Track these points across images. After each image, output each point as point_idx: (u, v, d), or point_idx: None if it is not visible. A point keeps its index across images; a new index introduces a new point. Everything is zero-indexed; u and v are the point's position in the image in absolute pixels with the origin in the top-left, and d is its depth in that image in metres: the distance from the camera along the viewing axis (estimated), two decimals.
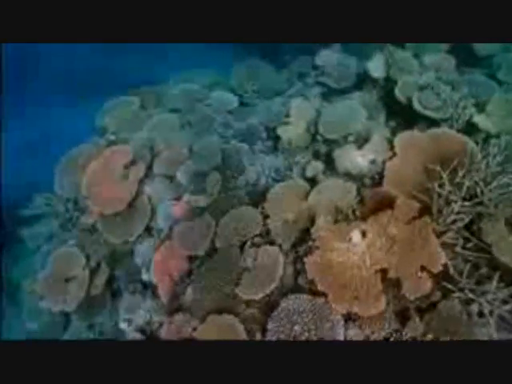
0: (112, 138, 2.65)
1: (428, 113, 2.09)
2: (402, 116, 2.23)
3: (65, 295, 2.39)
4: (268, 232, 1.76)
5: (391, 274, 1.43)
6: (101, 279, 2.42)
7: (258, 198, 1.97)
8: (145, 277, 2.14)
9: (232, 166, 2.17)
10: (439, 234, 1.50)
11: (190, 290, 1.72)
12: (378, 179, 1.89)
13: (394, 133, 2.11)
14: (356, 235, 1.56)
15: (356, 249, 1.53)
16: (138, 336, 1.97)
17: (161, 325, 1.77)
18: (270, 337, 1.42)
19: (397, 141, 1.92)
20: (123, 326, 2.08)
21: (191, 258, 1.92)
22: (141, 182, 2.13)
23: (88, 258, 2.43)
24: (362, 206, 1.71)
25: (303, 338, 1.36)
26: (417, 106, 2.10)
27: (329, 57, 2.97)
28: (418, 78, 2.28)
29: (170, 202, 2.02)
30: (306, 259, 1.48)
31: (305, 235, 1.66)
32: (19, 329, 2.98)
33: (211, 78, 3.34)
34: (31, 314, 2.84)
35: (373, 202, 1.70)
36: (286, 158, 2.29)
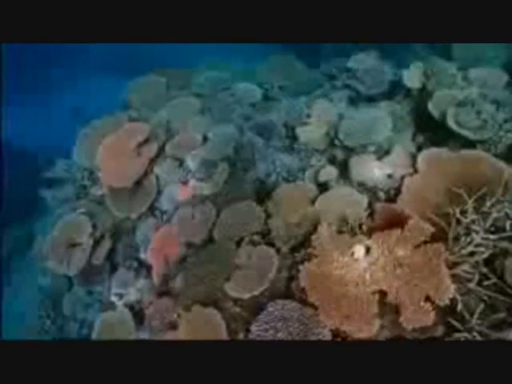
0: (134, 114, 2.68)
1: (463, 132, 1.90)
2: (433, 132, 2.06)
3: (68, 260, 2.47)
4: (268, 232, 1.69)
5: (390, 298, 1.32)
6: (102, 250, 2.47)
7: (264, 195, 1.91)
8: (142, 256, 2.15)
9: (243, 158, 2.12)
10: (452, 265, 1.36)
11: (180, 276, 1.70)
12: (393, 195, 1.76)
13: (420, 149, 1.95)
14: (359, 250, 1.45)
15: (357, 264, 1.42)
16: (126, 311, 1.99)
17: (150, 304, 1.77)
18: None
19: (421, 157, 1.77)
20: (114, 299, 2.11)
21: (189, 245, 1.90)
22: (152, 161, 2.14)
23: (94, 227, 2.48)
24: (371, 221, 1.59)
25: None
26: (451, 123, 1.92)
27: (363, 60, 2.82)
28: (459, 92, 2.09)
29: (176, 185, 2.01)
30: (300, 266, 1.40)
31: (305, 241, 1.58)
32: (32, 285, 3.19)
33: (240, 69, 3.30)
34: (43, 271, 3.00)
35: (383, 217, 1.58)
36: (300, 158, 2.20)
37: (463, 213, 1.41)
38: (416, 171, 1.74)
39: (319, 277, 1.37)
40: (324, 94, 2.68)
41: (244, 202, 1.81)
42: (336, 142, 2.08)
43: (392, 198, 1.73)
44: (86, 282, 2.58)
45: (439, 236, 1.42)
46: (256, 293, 1.42)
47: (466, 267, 1.35)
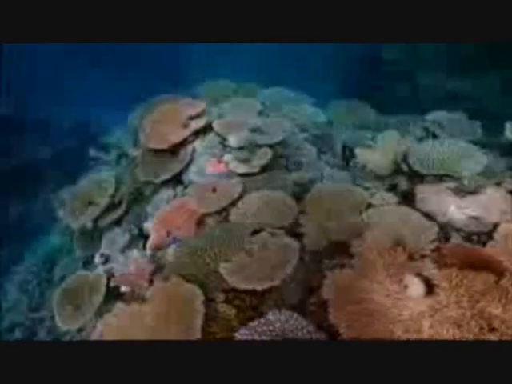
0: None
1: None
2: None
3: (79, 213, 2.37)
4: (296, 225, 1.33)
5: None
6: (113, 215, 2.33)
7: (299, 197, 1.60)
8: (147, 225, 1.91)
9: (291, 157, 1.90)
10: None
11: (172, 248, 1.39)
12: (475, 240, 1.30)
13: None
14: (415, 286, 1.00)
15: (410, 303, 0.96)
16: (102, 278, 1.68)
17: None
18: None
19: None
20: (98, 260, 1.85)
21: (199, 223, 1.61)
22: (195, 134, 2.04)
23: (117, 190, 2.40)
24: (438, 256, 1.14)
25: None
26: None
27: (446, 115, 2.59)
28: None
29: (209, 161, 1.84)
30: (329, 272, 1.00)
31: (341, 249, 1.18)
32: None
33: (310, 99, 3.32)
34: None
35: (459, 258, 1.11)
36: (353, 177, 1.89)
37: None
38: None
39: (352, 294, 0.94)
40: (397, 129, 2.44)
41: (277, 192, 1.52)
42: (403, 166, 1.74)
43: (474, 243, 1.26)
44: (84, 244, 2.42)
45: None
46: (258, 287, 1.02)
47: None
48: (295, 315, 0.96)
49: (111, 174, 2.53)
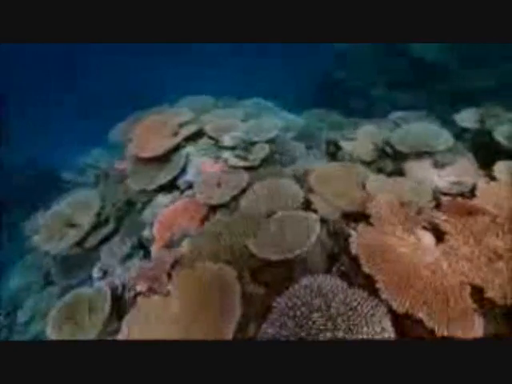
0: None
1: None
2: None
3: (59, 237, 2.19)
4: (308, 204, 1.39)
5: (490, 294, 0.89)
6: (99, 235, 2.18)
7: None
8: (146, 233, 1.83)
9: (284, 153, 2.00)
10: None
11: (186, 241, 1.35)
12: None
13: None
14: (425, 238, 1.11)
15: (427, 250, 1.05)
16: (106, 293, 1.55)
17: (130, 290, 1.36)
18: (269, 325, 0.92)
19: (500, 166, 1.54)
20: (96, 274, 1.70)
21: (203, 221, 1.60)
22: (187, 139, 2.06)
23: (103, 208, 2.27)
24: (438, 213, 1.27)
25: (322, 336, 0.83)
26: None
27: (407, 114, 2.94)
28: None
29: (204, 159, 1.86)
30: (352, 231, 1.06)
31: (354, 218, 1.25)
32: None
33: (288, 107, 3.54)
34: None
35: (456, 209, 1.25)
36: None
37: None
38: (493, 179, 1.48)
39: (378, 247, 1.01)
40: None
41: (282, 179, 1.58)
42: (387, 149, 1.93)
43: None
44: (66, 271, 2.22)
45: None
46: (290, 256, 1.04)
47: None
48: (329, 276, 0.99)
49: (93, 192, 2.41)
